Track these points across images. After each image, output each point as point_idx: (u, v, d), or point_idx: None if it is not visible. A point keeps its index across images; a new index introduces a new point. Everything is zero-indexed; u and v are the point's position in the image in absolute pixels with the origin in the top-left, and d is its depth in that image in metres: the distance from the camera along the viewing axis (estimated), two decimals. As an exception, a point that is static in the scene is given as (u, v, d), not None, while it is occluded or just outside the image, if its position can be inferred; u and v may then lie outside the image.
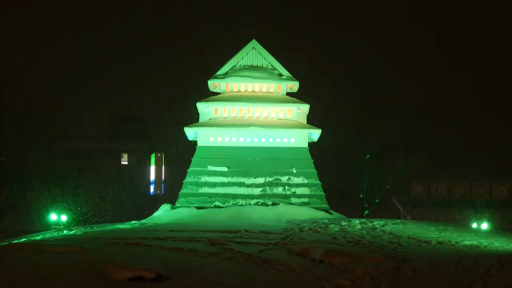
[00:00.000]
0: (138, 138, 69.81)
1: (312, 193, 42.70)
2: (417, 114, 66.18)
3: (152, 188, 53.36)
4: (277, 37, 66.92)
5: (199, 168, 42.98)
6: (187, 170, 43.55)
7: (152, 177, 52.60)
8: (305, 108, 44.37)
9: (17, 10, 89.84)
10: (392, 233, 32.10)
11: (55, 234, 33.92)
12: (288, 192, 42.56)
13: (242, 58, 45.36)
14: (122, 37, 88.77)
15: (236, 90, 44.65)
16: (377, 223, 35.32)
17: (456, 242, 29.98)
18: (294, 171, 42.97)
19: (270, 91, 44.75)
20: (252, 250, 26.74)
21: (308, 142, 44.22)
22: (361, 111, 62.09)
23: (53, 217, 47.98)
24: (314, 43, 79.63)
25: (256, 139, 43.54)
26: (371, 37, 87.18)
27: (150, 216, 42.00)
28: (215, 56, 58.23)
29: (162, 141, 62.86)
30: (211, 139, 43.57)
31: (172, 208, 42.33)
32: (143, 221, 39.67)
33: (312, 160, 43.50)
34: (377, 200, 55.38)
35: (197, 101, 44.56)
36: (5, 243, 29.23)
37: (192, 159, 43.62)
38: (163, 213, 41.57)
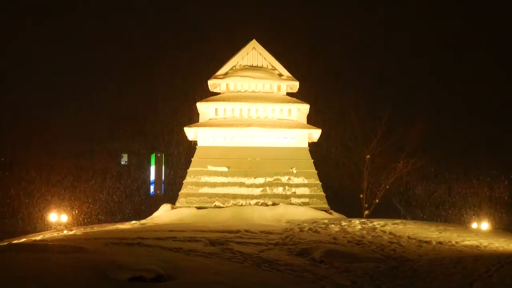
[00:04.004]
0: (138, 138, 69.74)
1: (312, 193, 42.73)
2: (417, 113, 66.14)
3: (152, 188, 53.36)
4: (277, 37, 66.88)
5: (199, 168, 43.01)
6: (187, 170, 43.58)
7: (152, 177, 52.59)
8: (305, 108, 44.44)
9: (17, 8, 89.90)
10: (392, 233, 32.11)
11: (55, 234, 33.94)
12: (288, 192, 42.59)
13: (242, 58, 45.43)
14: (122, 37, 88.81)
15: (236, 90, 44.71)
16: (377, 223, 35.34)
17: (456, 242, 29.98)
18: (294, 171, 42.99)
19: (270, 91, 44.81)
20: (252, 250, 26.75)
21: (308, 142, 44.26)
22: (361, 111, 62.08)
23: (53, 217, 47.97)
24: (314, 41, 79.62)
25: (256, 139, 43.59)
26: (371, 34, 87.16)
27: (150, 216, 42.03)
28: (215, 56, 58.19)
29: (162, 141, 62.88)
30: (211, 139, 43.62)
31: (172, 208, 42.36)
32: (143, 221, 39.69)
33: (312, 160, 43.53)
34: (377, 200, 55.36)
35: (197, 101, 44.61)
36: (5, 243, 29.24)
37: (192, 159, 43.66)
38: (163, 213, 41.59)
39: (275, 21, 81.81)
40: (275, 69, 45.22)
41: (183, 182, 43.27)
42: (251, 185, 42.66)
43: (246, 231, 31.92)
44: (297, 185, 42.84)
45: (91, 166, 63.66)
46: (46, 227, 48.59)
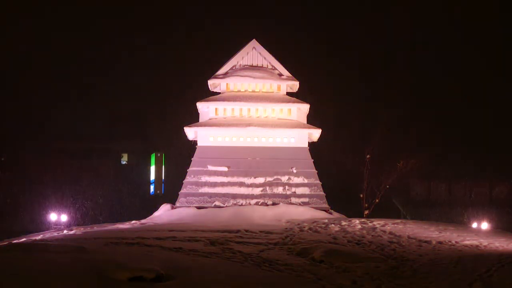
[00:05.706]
0: (138, 138, 69.79)
1: (312, 193, 42.72)
2: (418, 113, 66.11)
3: (152, 188, 53.38)
4: (277, 37, 66.87)
5: (199, 168, 43.00)
6: (187, 170, 43.55)
7: (152, 177, 52.61)
8: (305, 107, 44.43)
9: (16, 8, 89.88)
10: (392, 233, 32.12)
11: (55, 234, 33.95)
12: (288, 192, 42.57)
13: (242, 58, 45.41)
14: (121, 37, 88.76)
15: (236, 90, 44.70)
16: (377, 223, 35.35)
17: (456, 242, 29.99)
18: (294, 171, 42.98)
19: (270, 91, 44.79)
20: (252, 250, 26.76)
21: (308, 142, 44.25)
22: (362, 111, 62.09)
23: (53, 217, 47.97)
24: (314, 41, 79.63)
25: (256, 139, 43.57)
26: (371, 34, 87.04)
27: (150, 216, 42.02)
28: (215, 55, 58.22)
29: (162, 141, 62.85)
30: (211, 139, 43.62)
31: (172, 208, 42.35)
32: (143, 221, 39.70)
33: (312, 160, 43.52)
34: (377, 200, 55.34)
35: (197, 101, 44.57)
36: (5, 243, 29.26)
37: (192, 159, 43.63)
38: (163, 213, 41.59)
39: (275, 21, 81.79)
40: (275, 68, 45.20)
41: (183, 182, 43.25)
42: (251, 185, 42.65)
43: (246, 231, 31.93)
44: (297, 185, 42.83)
45: (91, 166, 63.67)
46: (46, 227, 48.57)
